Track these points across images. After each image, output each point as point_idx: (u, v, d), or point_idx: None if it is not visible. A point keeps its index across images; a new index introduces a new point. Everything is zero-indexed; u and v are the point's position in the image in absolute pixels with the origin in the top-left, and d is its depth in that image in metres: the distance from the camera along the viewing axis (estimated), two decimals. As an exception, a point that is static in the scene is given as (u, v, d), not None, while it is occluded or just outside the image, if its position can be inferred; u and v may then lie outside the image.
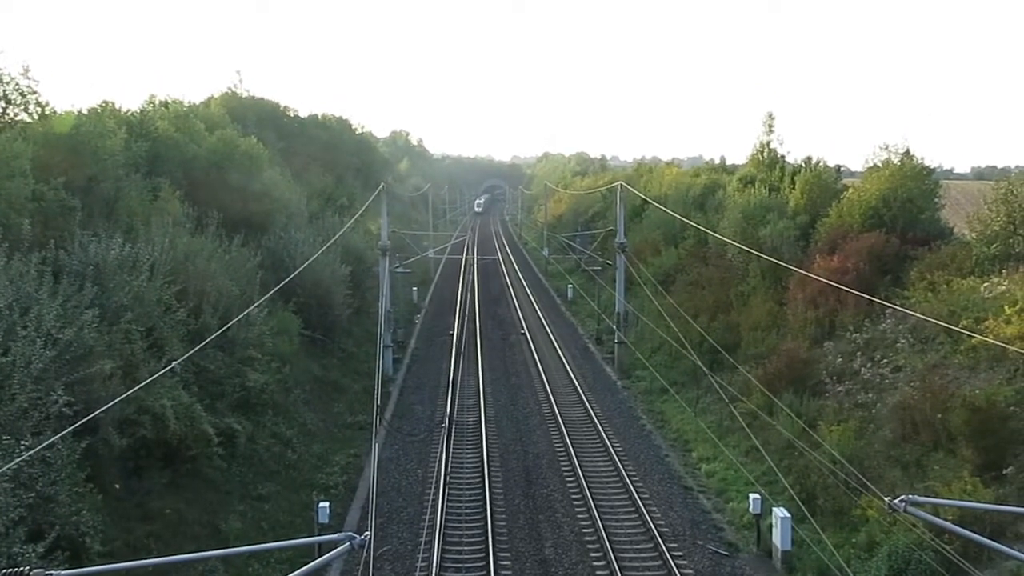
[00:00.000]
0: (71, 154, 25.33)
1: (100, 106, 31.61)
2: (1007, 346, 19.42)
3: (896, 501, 9.63)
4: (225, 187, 34.43)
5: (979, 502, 16.38)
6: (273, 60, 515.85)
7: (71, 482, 16.52)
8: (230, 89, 55.98)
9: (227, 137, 36.63)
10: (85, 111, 29.81)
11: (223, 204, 32.69)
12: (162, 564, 11.54)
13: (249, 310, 25.04)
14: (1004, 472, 18.12)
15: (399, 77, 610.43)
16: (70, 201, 23.48)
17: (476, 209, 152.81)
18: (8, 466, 13.80)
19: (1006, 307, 22.01)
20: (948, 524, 12.43)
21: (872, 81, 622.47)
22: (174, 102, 40.48)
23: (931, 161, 31.65)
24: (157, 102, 39.57)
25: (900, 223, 29.91)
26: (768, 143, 44.58)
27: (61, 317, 18.17)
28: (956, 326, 21.34)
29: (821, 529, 18.84)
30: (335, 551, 9.37)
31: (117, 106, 33.31)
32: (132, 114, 33.93)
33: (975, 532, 12.42)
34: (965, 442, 19.13)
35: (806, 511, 19.55)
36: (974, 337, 20.66)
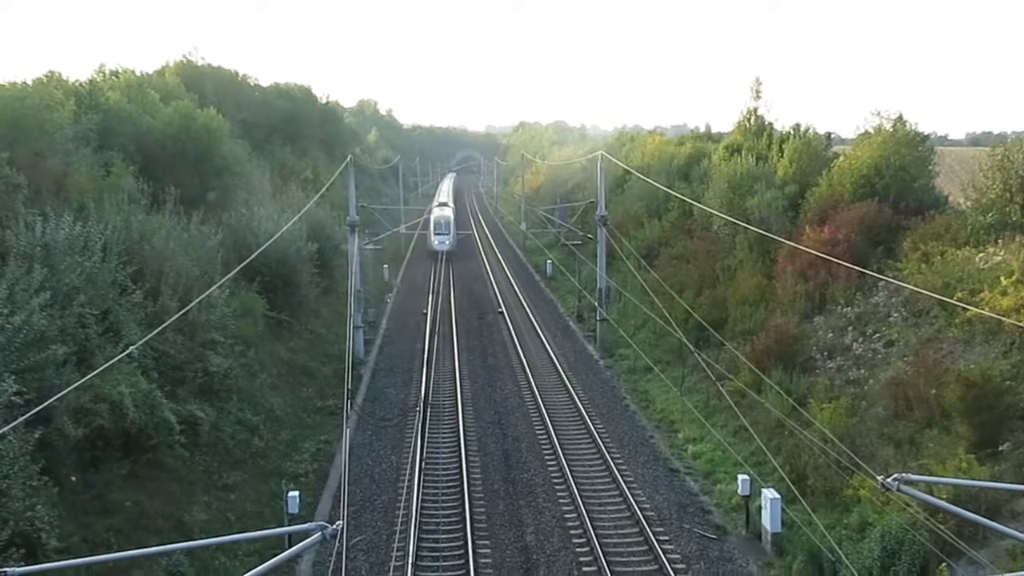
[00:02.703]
0: (15, 128, 24.49)
1: (46, 76, 30.80)
2: (1003, 318, 19.27)
3: (889, 480, 9.69)
4: (182, 162, 33.59)
5: (974, 480, 16.30)
6: (230, 26, 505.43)
7: (24, 475, 15.97)
8: (185, 57, 53.86)
9: (183, 108, 35.59)
10: (29, 82, 28.79)
11: (180, 180, 31.81)
12: (123, 559, 11.08)
13: (210, 291, 24.27)
14: (1000, 449, 17.98)
15: (366, 44, 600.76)
16: (15, 178, 22.73)
17: (436, 243, 65.57)
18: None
19: (1002, 278, 21.80)
20: (942, 503, 12.36)
21: (864, 45, 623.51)
22: (125, 72, 39.50)
23: (925, 127, 31.45)
24: (107, 72, 38.78)
25: (893, 192, 29.58)
26: (755, 110, 44.18)
27: (9, 301, 17.75)
28: (951, 298, 21.14)
29: (812, 510, 18.57)
30: (306, 542, 9.39)
31: (64, 76, 32.65)
32: (81, 84, 33.28)
33: (970, 511, 12.37)
34: (960, 418, 18.95)
35: (796, 492, 19.19)
36: (969, 310, 20.44)
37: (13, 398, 15.94)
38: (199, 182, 33.78)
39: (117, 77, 38.22)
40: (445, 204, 74.01)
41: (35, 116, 25.08)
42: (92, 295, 20.97)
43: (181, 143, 34.23)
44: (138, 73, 41.35)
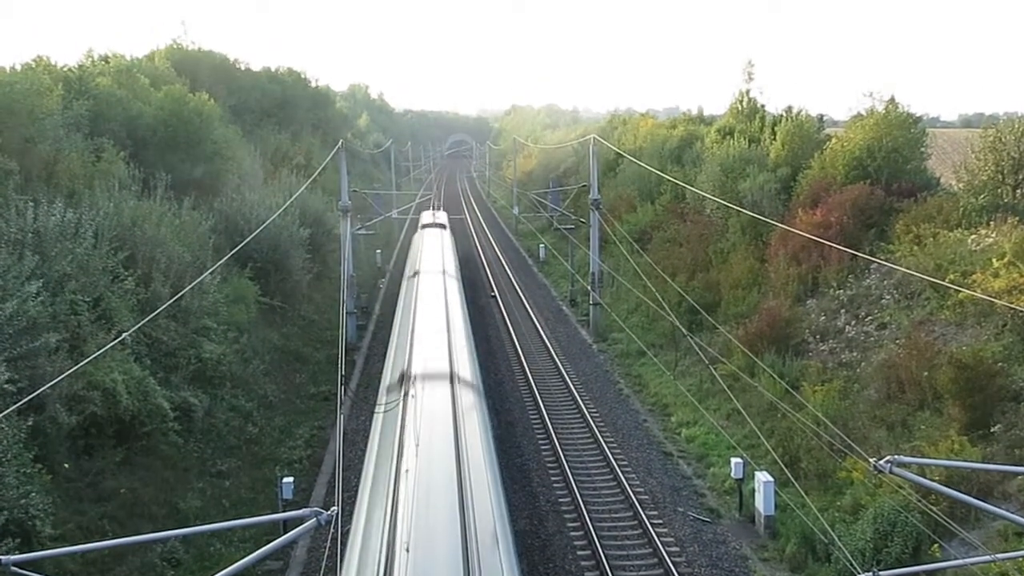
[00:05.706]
0: (4, 114, 24.21)
1: (34, 62, 30.39)
2: (995, 300, 19.14)
3: (882, 462, 9.76)
4: (173, 147, 33.13)
5: (966, 461, 16.24)
6: (221, 9, 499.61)
7: (18, 463, 15.93)
8: (175, 41, 52.90)
9: (174, 93, 35.03)
10: (18, 67, 28.66)
11: (171, 165, 31.47)
12: (118, 546, 10.94)
13: (202, 277, 24.31)
14: (991, 430, 17.89)
15: (357, 27, 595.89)
16: (5, 164, 22.59)
17: None
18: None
19: (994, 260, 21.62)
20: (935, 484, 12.52)
21: (857, 26, 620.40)
22: (115, 57, 38.80)
23: (917, 109, 31.19)
24: (96, 57, 38.07)
25: (885, 174, 29.30)
26: (748, 92, 43.78)
27: (0, 288, 17.64)
28: (943, 280, 21.03)
29: (805, 493, 18.43)
30: (301, 527, 9.38)
31: (52, 62, 32.01)
32: (70, 70, 32.62)
33: (962, 492, 12.62)
34: (952, 400, 18.86)
35: (789, 475, 19.04)
36: (961, 292, 20.43)
37: (6, 386, 15.83)
38: (190, 167, 33.40)
39: (107, 62, 37.65)
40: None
41: (24, 102, 24.74)
42: (84, 282, 20.81)
43: (172, 128, 33.74)
44: (128, 58, 40.85)
